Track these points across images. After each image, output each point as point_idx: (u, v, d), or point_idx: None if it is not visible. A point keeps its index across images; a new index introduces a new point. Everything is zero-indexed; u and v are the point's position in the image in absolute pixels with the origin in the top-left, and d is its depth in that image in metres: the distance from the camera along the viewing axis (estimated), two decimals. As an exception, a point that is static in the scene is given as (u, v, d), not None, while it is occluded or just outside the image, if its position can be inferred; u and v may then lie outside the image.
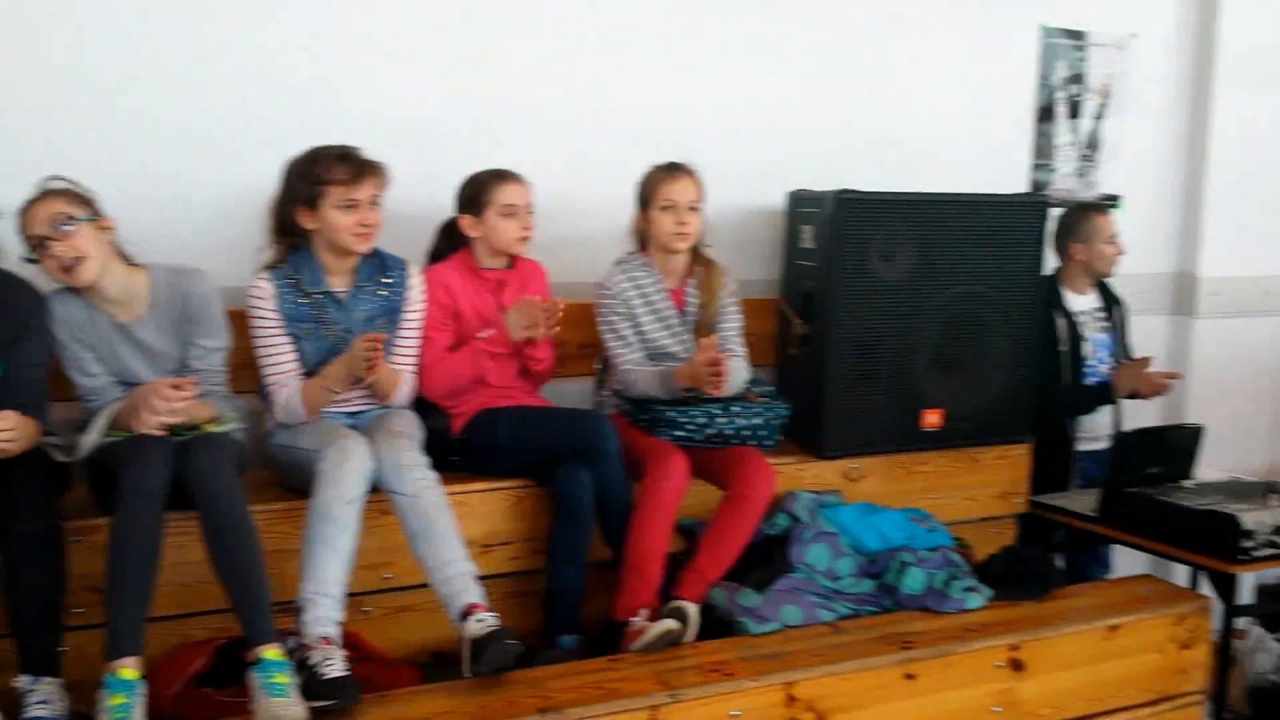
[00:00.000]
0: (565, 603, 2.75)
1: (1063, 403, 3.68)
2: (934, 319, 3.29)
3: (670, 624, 2.59)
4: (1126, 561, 3.72)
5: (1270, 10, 4.19)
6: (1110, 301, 3.81)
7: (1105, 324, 3.78)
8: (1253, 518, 3.02)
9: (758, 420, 2.97)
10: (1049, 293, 3.67)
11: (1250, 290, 4.31)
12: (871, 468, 3.31)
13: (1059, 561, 3.88)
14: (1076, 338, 3.69)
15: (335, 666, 2.23)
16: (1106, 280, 3.80)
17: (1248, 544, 3.01)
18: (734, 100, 3.52)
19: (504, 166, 2.93)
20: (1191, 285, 4.24)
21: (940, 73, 3.83)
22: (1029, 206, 3.36)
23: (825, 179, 3.31)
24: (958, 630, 2.74)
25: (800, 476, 3.20)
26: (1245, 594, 3.18)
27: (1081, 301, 3.75)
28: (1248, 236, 4.28)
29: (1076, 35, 4.00)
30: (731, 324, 3.08)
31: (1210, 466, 3.86)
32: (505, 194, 2.87)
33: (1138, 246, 4.07)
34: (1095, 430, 3.66)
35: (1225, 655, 3.15)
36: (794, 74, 3.61)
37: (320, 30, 3.01)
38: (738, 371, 2.98)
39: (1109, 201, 4.03)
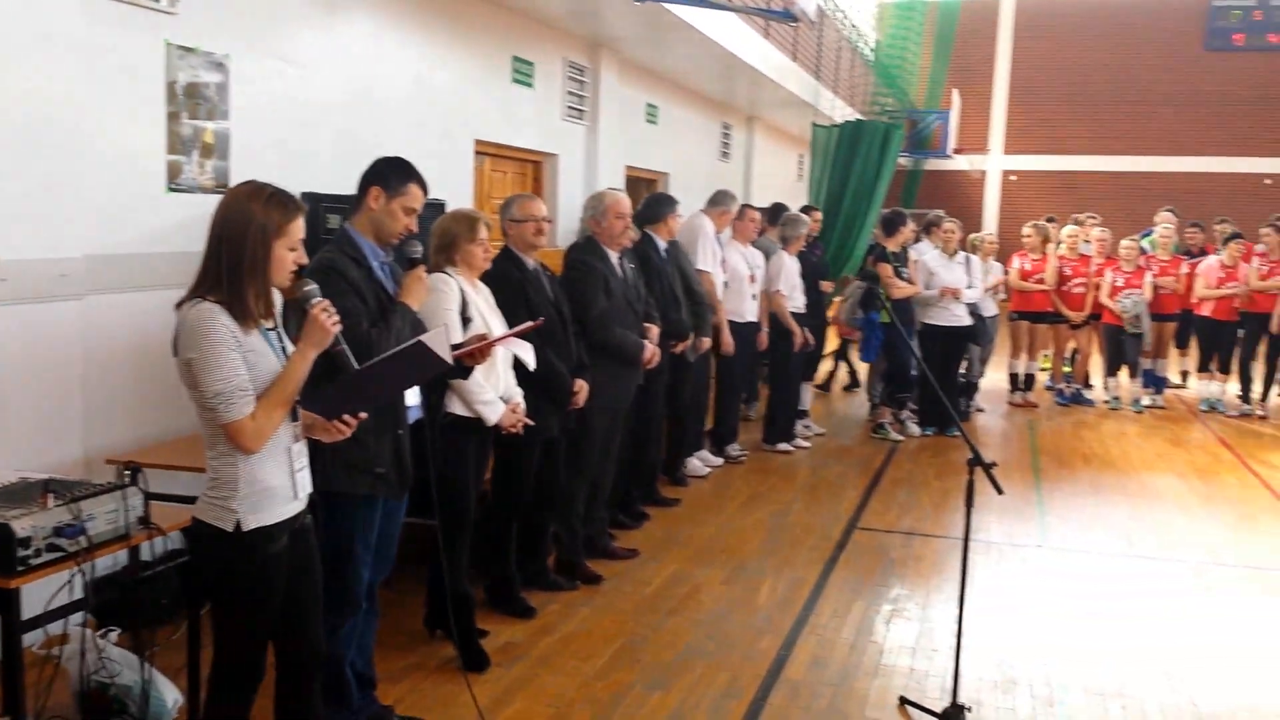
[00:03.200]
0: None
1: None
2: None
3: None
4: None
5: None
6: None
7: None
8: (28, 523, 2.79)
9: None
10: None
11: (46, 273, 4.06)
12: None
13: None
14: None
15: None
16: None
17: (25, 552, 2.77)
18: None
19: None
20: (-24, 270, 3.81)
21: None
22: None
23: None
24: None
25: None
26: (38, 605, 2.92)
27: None
28: (37, 217, 4.01)
29: None
30: None
31: (11, 467, 3.56)
32: None
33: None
34: None
35: (15, 676, 2.87)
36: None
37: None
38: None
39: None
